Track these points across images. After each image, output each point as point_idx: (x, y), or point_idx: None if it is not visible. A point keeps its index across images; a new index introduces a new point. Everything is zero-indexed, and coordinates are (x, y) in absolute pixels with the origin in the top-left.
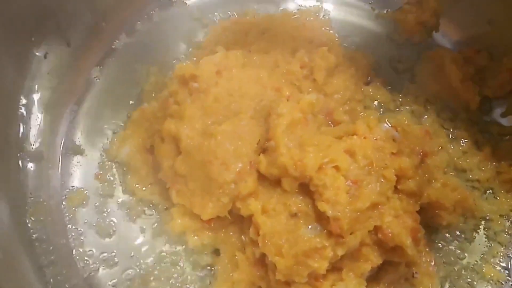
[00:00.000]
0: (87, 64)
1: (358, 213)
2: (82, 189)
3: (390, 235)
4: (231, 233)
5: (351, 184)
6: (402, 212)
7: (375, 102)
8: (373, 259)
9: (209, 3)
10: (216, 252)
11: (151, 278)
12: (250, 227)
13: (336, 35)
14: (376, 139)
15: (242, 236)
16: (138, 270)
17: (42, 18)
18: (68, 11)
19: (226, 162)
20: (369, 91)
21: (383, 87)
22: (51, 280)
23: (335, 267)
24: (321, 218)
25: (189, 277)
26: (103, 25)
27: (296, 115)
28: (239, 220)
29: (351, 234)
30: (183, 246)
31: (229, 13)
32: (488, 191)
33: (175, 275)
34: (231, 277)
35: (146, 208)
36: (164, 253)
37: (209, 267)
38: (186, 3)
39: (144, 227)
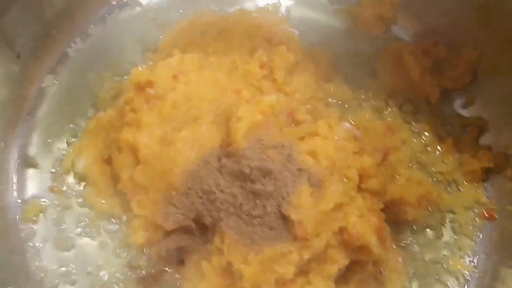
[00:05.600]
0: (39, 73)
1: (322, 215)
2: (38, 203)
3: (355, 235)
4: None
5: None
6: (366, 211)
7: (337, 100)
8: (340, 260)
9: (164, 3)
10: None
11: None
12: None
13: (296, 32)
14: (337, 139)
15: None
16: (98, 285)
17: None
18: (13, 22)
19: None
20: (330, 88)
21: (344, 83)
22: None
23: (302, 271)
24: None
25: None
26: (53, 32)
27: (256, 118)
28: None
29: (316, 236)
30: (146, 258)
31: (186, 13)
32: (451, 184)
33: None
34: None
35: (107, 221)
36: (126, 266)
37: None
38: (142, 4)
39: (105, 240)
